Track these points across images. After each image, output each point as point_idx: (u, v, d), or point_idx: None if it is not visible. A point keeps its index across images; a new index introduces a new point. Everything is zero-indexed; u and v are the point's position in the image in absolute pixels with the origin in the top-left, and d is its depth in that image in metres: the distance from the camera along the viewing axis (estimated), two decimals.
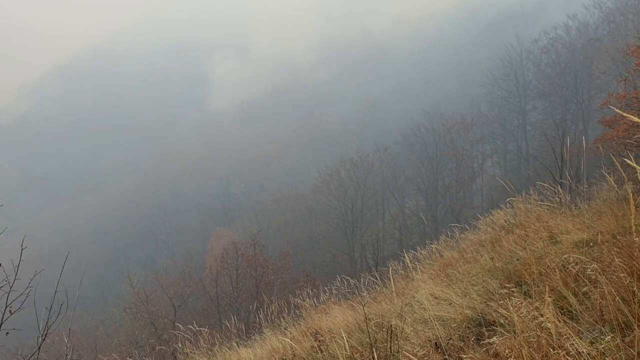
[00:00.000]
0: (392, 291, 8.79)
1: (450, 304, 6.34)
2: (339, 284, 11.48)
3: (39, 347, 5.62)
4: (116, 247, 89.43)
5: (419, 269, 9.77)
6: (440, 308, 6.29)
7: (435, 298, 6.81)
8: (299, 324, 9.48)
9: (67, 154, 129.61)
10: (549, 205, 9.68)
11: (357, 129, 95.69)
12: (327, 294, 11.07)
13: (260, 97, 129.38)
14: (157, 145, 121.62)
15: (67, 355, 6.89)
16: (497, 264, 7.17)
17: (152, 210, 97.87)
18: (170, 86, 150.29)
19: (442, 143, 57.40)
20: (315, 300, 10.87)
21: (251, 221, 70.58)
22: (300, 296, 11.34)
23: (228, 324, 10.99)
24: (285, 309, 10.82)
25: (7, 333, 5.29)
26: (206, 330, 10.24)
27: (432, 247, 11.06)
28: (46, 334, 5.55)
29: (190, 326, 10.34)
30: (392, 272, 8.49)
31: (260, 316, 10.71)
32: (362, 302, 7.89)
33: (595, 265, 4.86)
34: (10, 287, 5.35)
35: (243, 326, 10.91)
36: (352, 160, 57.67)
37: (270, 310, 10.76)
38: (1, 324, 5.35)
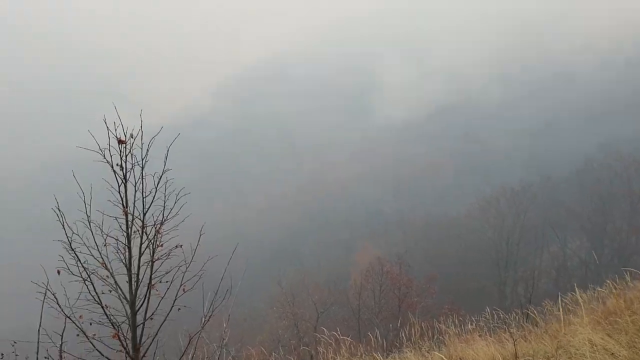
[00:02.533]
0: (544, 332, 8.28)
1: (612, 354, 5.83)
2: (487, 316, 11.03)
3: (203, 326, 6.21)
4: (271, 247, 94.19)
5: (578, 313, 9.06)
6: (601, 357, 5.80)
7: (594, 345, 6.30)
8: (441, 349, 9.28)
9: (236, 158, 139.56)
10: None
11: (521, 156, 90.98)
12: (474, 324, 10.69)
13: (425, 113, 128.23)
14: (318, 155, 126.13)
15: (223, 339, 7.50)
16: None
17: (305, 218, 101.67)
18: (337, 98, 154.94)
19: (617, 181, 52.41)
20: (460, 329, 10.56)
21: (399, 240, 70.24)
22: (445, 323, 11.09)
23: (371, 336, 11.09)
24: (429, 333, 10.66)
25: (179, 309, 5.93)
26: (348, 339, 10.44)
27: (594, 292, 10.21)
28: (211, 315, 6.13)
29: (335, 332, 10.61)
30: (547, 312, 8.00)
31: (402, 335, 10.66)
32: (513, 338, 7.53)
33: None
34: (187, 268, 6.00)
35: (384, 342, 10.95)
36: (514, 188, 54.94)
37: (413, 331, 10.67)
38: (175, 300, 6.01)
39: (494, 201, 55.40)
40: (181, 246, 5.95)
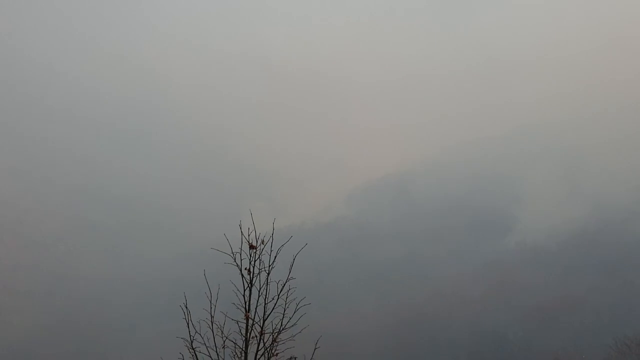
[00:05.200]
0: None
1: None
2: None
3: None
4: None
5: None
6: None
7: None
8: None
9: (352, 269, 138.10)
10: None
11: None
12: None
13: (564, 239, 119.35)
14: (442, 275, 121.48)
15: None
16: None
17: (424, 336, 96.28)
18: (468, 217, 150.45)
19: None
20: None
21: None
22: None
23: None
24: None
25: None
26: None
27: None
28: None
29: None
30: None
31: None
32: None
33: None
34: None
35: None
36: None
37: None
38: None
39: (636, 347, 49.11)
40: (295, 358, 5.84)
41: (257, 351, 5.76)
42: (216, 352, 5.67)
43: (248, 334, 5.77)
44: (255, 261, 5.74)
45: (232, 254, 5.71)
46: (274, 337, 5.77)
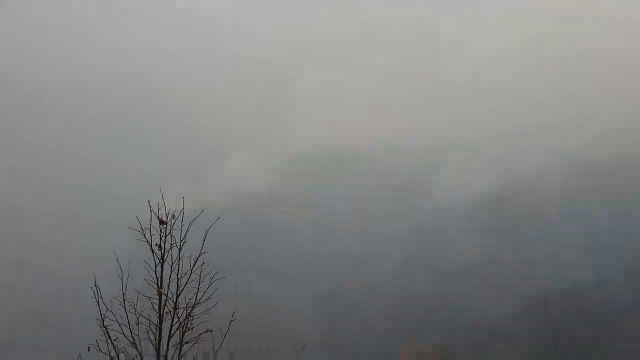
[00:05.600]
0: None
1: None
2: None
3: None
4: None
5: None
6: None
7: None
8: None
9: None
10: None
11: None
12: None
13: (480, 200, 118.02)
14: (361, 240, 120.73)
15: None
16: None
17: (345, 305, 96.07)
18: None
19: None
20: None
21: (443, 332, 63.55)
22: None
23: None
24: None
25: None
26: None
27: None
28: None
29: None
30: None
31: None
32: None
33: None
34: (216, 355, 5.82)
35: None
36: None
37: None
38: None
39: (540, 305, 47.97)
40: (211, 332, 5.85)
41: (172, 326, 5.77)
42: (130, 329, 5.67)
43: (162, 310, 5.77)
44: (166, 237, 5.72)
45: (141, 231, 5.70)
46: (189, 311, 5.77)
